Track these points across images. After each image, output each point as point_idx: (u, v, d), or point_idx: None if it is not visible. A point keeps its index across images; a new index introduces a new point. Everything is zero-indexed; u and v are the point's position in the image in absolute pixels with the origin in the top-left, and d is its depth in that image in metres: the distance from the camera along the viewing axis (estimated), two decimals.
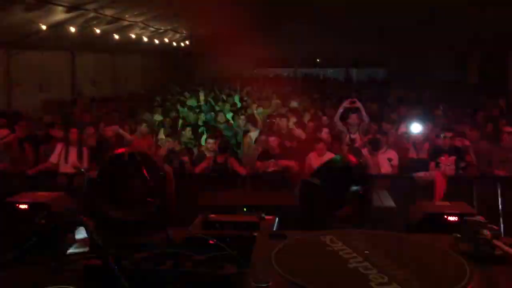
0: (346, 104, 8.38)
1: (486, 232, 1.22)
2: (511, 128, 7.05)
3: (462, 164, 7.16)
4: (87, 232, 1.66)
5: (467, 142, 7.74)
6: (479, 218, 1.29)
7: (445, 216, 2.22)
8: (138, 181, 2.39)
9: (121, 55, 19.24)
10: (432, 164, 7.26)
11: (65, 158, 7.30)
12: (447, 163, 7.09)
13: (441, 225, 2.21)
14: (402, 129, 8.48)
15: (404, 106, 11.76)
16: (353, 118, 8.68)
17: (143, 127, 8.70)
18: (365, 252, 1.15)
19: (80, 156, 7.29)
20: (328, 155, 7.26)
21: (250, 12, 17.86)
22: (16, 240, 2.38)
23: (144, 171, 2.43)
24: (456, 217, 2.21)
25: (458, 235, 1.32)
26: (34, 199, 2.61)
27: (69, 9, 11.71)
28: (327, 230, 1.31)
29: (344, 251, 1.15)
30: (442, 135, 7.22)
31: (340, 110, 8.37)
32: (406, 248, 1.26)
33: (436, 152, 7.22)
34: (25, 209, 2.55)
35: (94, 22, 13.45)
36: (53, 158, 7.31)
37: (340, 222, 1.97)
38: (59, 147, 7.40)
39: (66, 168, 7.22)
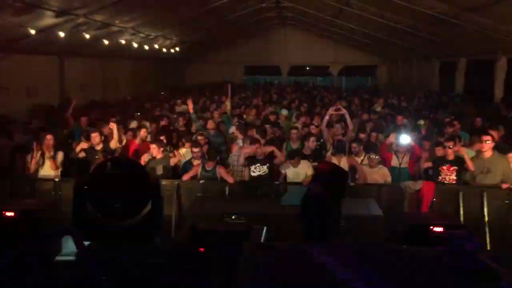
0: (331, 111, 8.47)
1: (470, 245, 1.24)
2: (489, 137, 7.11)
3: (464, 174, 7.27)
4: (74, 241, 1.65)
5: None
6: (464, 231, 1.30)
7: (431, 227, 2.25)
8: (125, 189, 2.38)
9: (111, 60, 19.16)
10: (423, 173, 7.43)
11: (42, 164, 7.35)
12: (448, 173, 7.18)
13: (427, 236, 2.23)
14: (390, 139, 8.52)
15: (392, 115, 11.84)
16: (336, 128, 8.81)
17: (143, 132, 8.74)
18: (350, 263, 1.16)
19: (55, 161, 7.39)
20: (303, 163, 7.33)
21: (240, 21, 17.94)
22: (2, 248, 2.36)
23: (131, 179, 2.41)
24: (442, 228, 2.23)
25: (443, 248, 1.34)
26: (21, 207, 2.59)
27: (58, 14, 11.65)
28: (314, 242, 1.32)
29: (331, 263, 1.16)
30: (444, 145, 7.31)
31: (326, 117, 8.44)
32: (392, 261, 1.27)
33: (438, 161, 7.30)
34: (11, 216, 2.53)
35: (84, 27, 13.39)
36: (32, 164, 7.35)
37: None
38: (37, 153, 7.41)
39: (44, 173, 7.30)
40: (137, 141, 8.66)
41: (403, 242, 2.33)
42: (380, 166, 7.42)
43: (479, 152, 7.23)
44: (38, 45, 13.06)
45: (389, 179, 7.37)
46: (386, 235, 3.42)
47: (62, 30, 12.68)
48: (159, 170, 7.28)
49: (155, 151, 7.45)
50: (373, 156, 7.34)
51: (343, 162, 7.31)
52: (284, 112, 12.59)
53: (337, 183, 2.36)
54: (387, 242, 2.87)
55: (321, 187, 2.33)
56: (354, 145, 7.88)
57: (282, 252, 1.30)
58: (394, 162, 7.76)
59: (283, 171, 7.44)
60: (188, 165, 7.58)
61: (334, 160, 7.32)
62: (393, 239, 2.40)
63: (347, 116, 8.29)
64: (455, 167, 7.19)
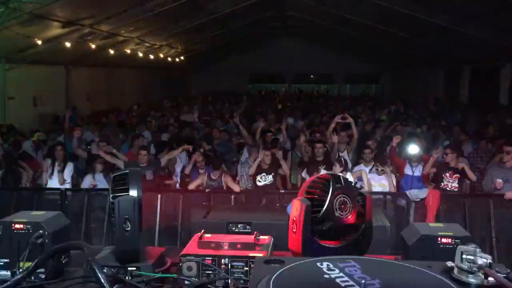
0: (338, 119, 8.44)
1: (479, 260, 1.25)
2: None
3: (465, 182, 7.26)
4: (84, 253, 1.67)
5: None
6: (473, 245, 1.31)
7: (439, 238, 2.24)
8: None
9: (116, 70, 19.30)
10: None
11: (51, 174, 7.38)
12: (451, 180, 7.18)
13: (435, 247, 2.22)
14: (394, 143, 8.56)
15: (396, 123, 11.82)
16: (342, 135, 8.78)
17: (140, 141, 8.67)
18: (362, 281, 1.17)
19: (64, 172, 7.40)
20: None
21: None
22: (12, 261, 2.38)
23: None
24: (450, 239, 2.23)
25: (451, 263, 1.35)
26: (30, 219, 2.61)
27: (65, 25, 11.78)
28: (324, 257, 1.33)
29: (341, 279, 1.17)
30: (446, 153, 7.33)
31: (332, 125, 8.43)
32: (402, 275, 1.28)
33: (443, 168, 7.31)
34: (20, 229, 2.54)
35: (90, 37, 13.52)
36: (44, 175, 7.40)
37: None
38: (46, 163, 7.46)
39: (53, 184, 7.31)
40: (133, 150, 8.50)
41: (410, 253, 2.33)
42: (387, 175, 7.40)
43: (500, 162, 7.24)
44: (44, 55, 13.20)
45: (393, 185, 7.34)
46: (393, 245, 3.40)
47: (68, 40, 12.81)
48: (149, 176, 7.23)
49: (143, 158, 7.36)
50: (380, 167, 7.33)
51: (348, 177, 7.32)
52: (290, 120, 12.60)
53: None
54: (394, 253, 2.85)
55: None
56: (366, 151, 7.85)
57: (291, 267, 1.30)
58: (407, 170, 7.73)
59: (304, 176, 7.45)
60: (196, 173, 7.58)
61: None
62: (401, 252, 2.39)
63: (353, 124, 8.29)
64: (457, 175, 7.19)
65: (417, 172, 7.71)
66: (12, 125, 11.59)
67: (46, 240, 2.40)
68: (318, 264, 1.28)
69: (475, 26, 12.08)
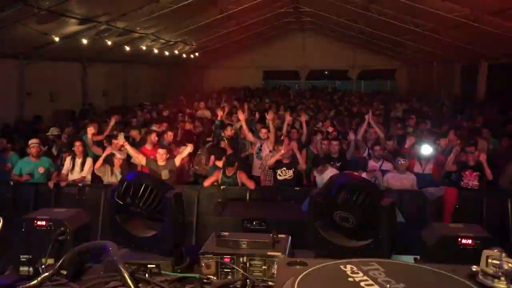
0: (370, 119, 8.64)
1: (504, 265, 1.24)
2: None
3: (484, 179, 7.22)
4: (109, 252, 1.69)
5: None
6: (498, 248, 1.30)
7: (459, 239, 2.23)
8: (151, 203, 2.43)
9: (131, 66, 19.43)
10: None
11: (72, 169, 7.48)
12: (471, 178, 7.14)
13: (455, 248, 2.21)
14: (410, 141, 8.51)
15: (413, 120, 11.68)
16: (370, 132, 8.78)
17: (153, 136, 8.60)
18: (387, 286, 1.17)
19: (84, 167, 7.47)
20: (332, 171, 7.31)
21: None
22: (34, 257, 2.41)
23: (154, 194, 2.46)
24: (470, 240, 2.22)
25: (476, 267, 1.33)
26: (52, 216, 2.64)
27: (82, 22, 11.89)
28: (347, 259, 1.33)
29: (365, 282, 1.17)
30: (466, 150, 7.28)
31: (364, 126, 8.63)
32: (426, 279, 1.27)
33: (461, 166, 7.27)
34: (42, 225, 2.58)
35: (106, 34, 13.63)
36: (64, 170, 7.50)
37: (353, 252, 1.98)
38: (67, 159, 7.57)
39: (72, 178, 7.47)
40: (147, 146, 8.39)
41: (430, 254, 2.32)
42: (408, 172, 7.36)
43: None
44: (61, 51, 13.34)
45: (415, 186, 7.30)
46: (408, 241, 3.36)
47: (85, 37, 12.93)
48: (165, 175, 7.18)
49: (162, 157, 7.25)
50: (402, 160, 7.28)
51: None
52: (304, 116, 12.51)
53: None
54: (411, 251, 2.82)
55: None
56: (377, 148, 7.83)
57: (315, 269, 1.30)
58: (417, 168, 7.68)
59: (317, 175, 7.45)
60: (213, 170, 7.62)
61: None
62: (421, 253, 2.38)
63: (373, 124, 8.41)
64: (477, 173, 7.14)
65: (427, 170, 7.67)
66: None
67: (68, 237, 2.44)
68: (342, 267, 1.27)
69: (494, 21, 11.88)
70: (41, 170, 7.57)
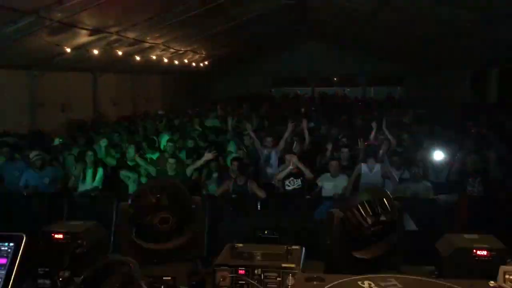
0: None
1: None
2: None
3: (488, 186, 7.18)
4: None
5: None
6: None
7: (475, 251, 2.23)
8: (169, 214, 2.44)
9: (141, 75, 19.58)
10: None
11: (83, 179, 7.56)
12: (475, 185, 7.12)
13: (470, 260, 2.21)
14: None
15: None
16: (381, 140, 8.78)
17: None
18: None
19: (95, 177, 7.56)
20: (341, 177, 7.33)
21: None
22: (52, 270, 2.44)
23: (174, 204, 2.48)
24: (486, 252, 2.22)
25: (494, 283, 1.34)
26: (69, 229, 2.68)
27: (93, 32, 12.03)
28: (364, 275, 1.34)
29: None
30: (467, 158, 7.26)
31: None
32: None
33: (463, 175, 7.24)
34: (60, 239, 2.61)
35: (116, 44, 13.77)
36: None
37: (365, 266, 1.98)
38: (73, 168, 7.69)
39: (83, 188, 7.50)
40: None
41: (444, 265, 2.31)
42: (424, 180, 7.32)
43: None
44: (72, 62, 13.49)
45: (431, 194, 7.24)
46: (421, 249, 3.35)
47: (95, 48, 13.07)
48: None
49: (173, 166, 7.33)
50: (416, 170, 7.26)
51: (376, 169, 7.34)
52: (311, 124, 12.53)
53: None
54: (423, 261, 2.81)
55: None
56: (395, 158, 7.81)
57: (332, 285, 1.31)
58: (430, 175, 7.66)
59: (319, 184, 7.44)
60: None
61: (365, 168, 7.38)
62: (436, 264, 2.38)
63: (386, 131, 8.45)
64: (479, 178, 7.13)
65: (442, 177, 7.65)
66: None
67: (85, 250, 2.47)
68: (359, 283, 1.28)
69: (505, 26, 11.80)
70: (46, 181, 7.60)
